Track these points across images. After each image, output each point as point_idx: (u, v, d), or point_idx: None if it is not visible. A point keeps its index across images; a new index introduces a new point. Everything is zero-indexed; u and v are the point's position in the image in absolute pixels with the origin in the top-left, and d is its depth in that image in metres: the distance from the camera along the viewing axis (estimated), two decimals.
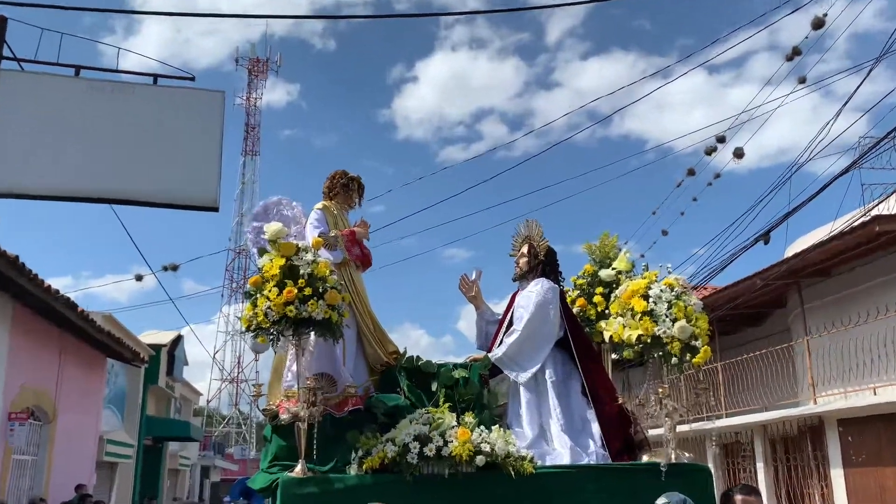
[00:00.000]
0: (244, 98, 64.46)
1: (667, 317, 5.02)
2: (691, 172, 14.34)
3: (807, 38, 9.60)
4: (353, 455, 4.68)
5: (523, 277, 5.77)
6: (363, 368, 5.48)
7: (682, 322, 4.97)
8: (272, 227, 4.90)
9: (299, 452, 4.60)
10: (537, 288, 5.55)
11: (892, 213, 12.90)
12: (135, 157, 7.46)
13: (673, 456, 4.99)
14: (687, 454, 5.23)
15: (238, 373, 62.33)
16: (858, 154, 13.25)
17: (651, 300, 5.12)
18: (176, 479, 34.38)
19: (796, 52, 9.90)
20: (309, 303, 4.62)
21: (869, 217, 12.64)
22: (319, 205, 5.77)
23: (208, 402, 59.69)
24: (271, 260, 4.82)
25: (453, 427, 4.69)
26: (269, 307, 4.60)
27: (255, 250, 5.46)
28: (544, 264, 5.74)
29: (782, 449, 16.06)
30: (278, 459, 4.95)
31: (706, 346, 4.96)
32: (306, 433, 4.59)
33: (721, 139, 12.79)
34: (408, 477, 4.50)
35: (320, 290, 4.71)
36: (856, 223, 12.90)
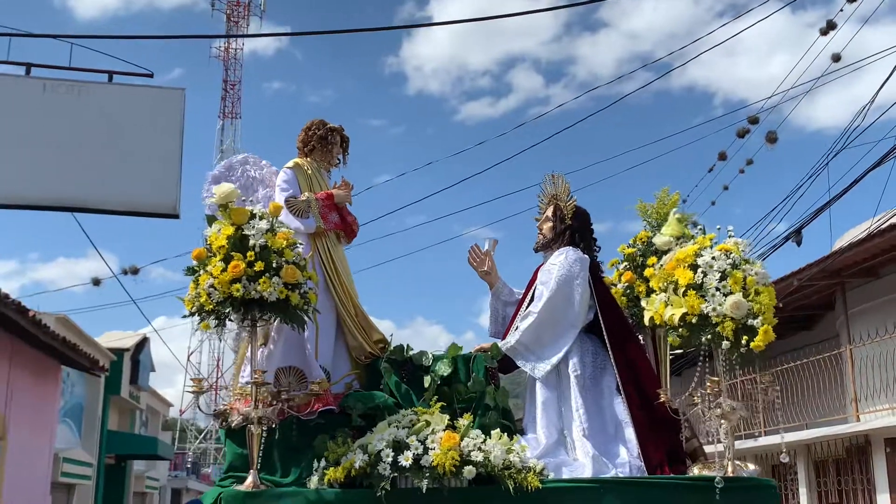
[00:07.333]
0: (222, 49, 57.09)
1: (718, 290, 4.50)
2: (722, 157, 13.81)
3: None
4: (316, 465, 4.48)
5: (547, 247, 5.36)
6: (345, 360, 5.25)
7: (737, 296, 4.44)
8: (221, 189, 4.73)
9: (251, 461, 4.46)
10: (560, 259, 5.12)
11: None
12: (90, 162, 8.04)
13: (730, 468, 4.48)
14: (751, 466, 4.70)
15: (217, 378, 54.85)
16: None
17: (700, 270, 4.61)
18: None
19: None
20: (260, 280, 4.43)
21: None
22: (290, 163, 5.55)
23: (181, 412, 54.31)
24: (219, 230, 4.65)
25: (438, 431, 4.40)
26: (211, 285, 4.45)
27: None
28: (573, 230, 5.30)
29: (833, 472, 15.91)
30: (234, 470, 4.82)
31: (767, 327, 4.40)
32: (258, 439, 4.44)
33: (754, 121, 12.23)
34: (379, 492, 4.24)
35: (274, 264, 4.51)
36: None
